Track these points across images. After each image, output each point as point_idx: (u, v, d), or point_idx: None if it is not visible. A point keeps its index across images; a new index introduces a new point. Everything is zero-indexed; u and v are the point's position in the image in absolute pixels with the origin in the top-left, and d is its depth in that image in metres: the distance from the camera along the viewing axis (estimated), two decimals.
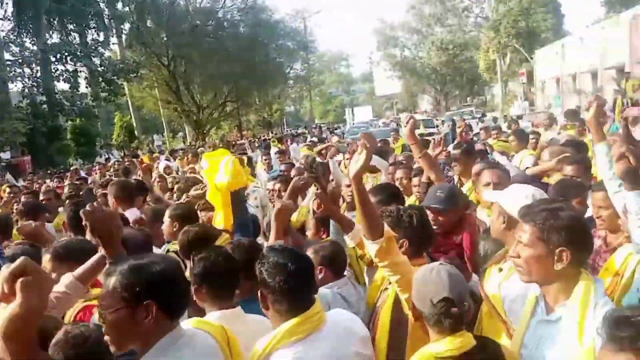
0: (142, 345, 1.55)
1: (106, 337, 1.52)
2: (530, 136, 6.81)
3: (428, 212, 2.93)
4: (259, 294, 1.81)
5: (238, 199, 2.82)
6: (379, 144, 5.99)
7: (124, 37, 29.47)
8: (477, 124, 17.63)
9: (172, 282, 1.57)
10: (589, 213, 2.76)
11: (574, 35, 29.46)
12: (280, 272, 1.75)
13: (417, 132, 15.62)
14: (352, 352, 1.86)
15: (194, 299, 2.04)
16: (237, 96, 35.37)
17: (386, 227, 2.01)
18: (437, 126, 24.89)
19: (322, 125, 38.86)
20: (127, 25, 28.69)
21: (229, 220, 2.76)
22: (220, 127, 43.40)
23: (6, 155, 24.17)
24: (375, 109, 59.92)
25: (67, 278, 2.00)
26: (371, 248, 2.01)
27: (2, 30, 24.65)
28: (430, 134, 13.37)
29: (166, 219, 3.31)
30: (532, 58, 33.83)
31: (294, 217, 3.62)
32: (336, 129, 33.95)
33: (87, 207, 1.97)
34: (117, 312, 1.49)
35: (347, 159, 5.66)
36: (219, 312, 2.00)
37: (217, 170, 2.74)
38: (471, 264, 2.68)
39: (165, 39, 30.00)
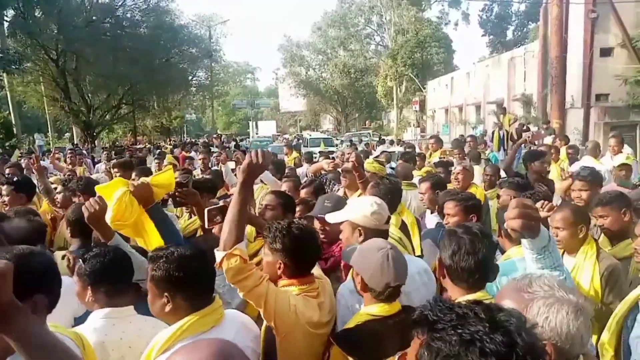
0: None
1: None
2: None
3: (316, 221, 3.01)
4: (153, 292, 1.88)
5: (159, 222, 2.59)
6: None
7: (5, 23, 26.74)
8: (376, 146, 18.73)
9: None
10: None
11: (462, 70, 32.13)
12: (184, 268, 1.84)
13: (318, 149, 16.06)
14: (249, 347, 1.99)
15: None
16: (133, 99, 33.62)
17: (240, 247, 2.03)
18: (337, 145, 25.73)
19: (222, 135, 38.24)
20: (10, 12, 26.09)
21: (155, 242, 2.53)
22: (113, 131, 40.93)
23: None
24: (280, 124, 60.30)
25: None
26: (218, 256, 2.03)
27: None
28: (331, 152, 13.83)
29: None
30: (424, 88, 36.24)
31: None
32: (241, 141, 33.66)
33: None
34: None
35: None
36: (108, 309, 2.04)
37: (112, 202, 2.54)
38: (346, 271, 2.74)
39: (55, 31, 27.72)
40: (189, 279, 1.85)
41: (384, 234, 2.51)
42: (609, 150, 7.34)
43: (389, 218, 2.59)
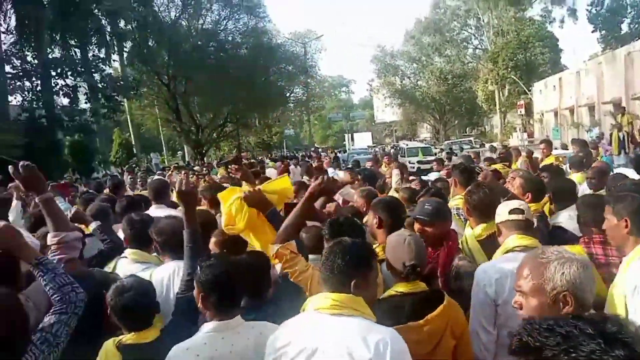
0: None
1: None
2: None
3: (416, 223, 2.91)
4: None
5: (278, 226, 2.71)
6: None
7: (125, 54, 29.65)
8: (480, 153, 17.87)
9: None
10: None
11: (572, 70, 29.77)
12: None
13: (416, 159, 15.78)
14: None
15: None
16: (236, 117, 35.48)
17: (291, 243, 2.44)
18: (436, 154, 24.95)
19: (319, 148, 38.93)
20: (128, 43, 28.89)
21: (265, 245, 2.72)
22: (219, 148, 43.42)
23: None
24: (375, 136, 60.20)
25: None
26: (274, 248, 2.42)
27: (4, 43, 24.72)
28: (429, 162, 13.45)
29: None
30: (529, 90, 34.09)
31: None
32: (338, 153, 34.06)
33: None
34: None
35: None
36: (215, 323, 2.07)
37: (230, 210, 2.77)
38: (442, 278, 2.61)
39: (166, 58, 30.20)
40: None
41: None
42: None
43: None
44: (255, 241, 2.77)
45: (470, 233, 3.03)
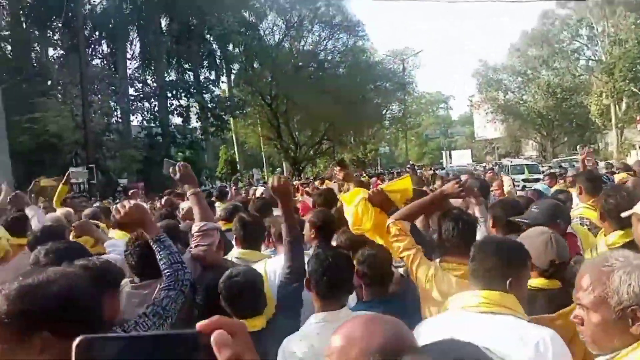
0: None
1: None
2: None
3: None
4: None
5: None
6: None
7: (232, 76, 31.61)
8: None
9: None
10: None
11: None
12: None
13: (522, 177, 14.90)
14: None
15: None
16: (333, 135, 36.12)
17: (405, 223, 2.63)
18: (543, 172, 23.37)
19: (415, 165, 38.30)
20: (236, 66, 30.80)
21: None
22: (315, 165, 44.38)
23: (123, 180, 26.53)
24: (475, 153, 57.91)
25: None
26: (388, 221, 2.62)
27: (129, 68, 27.56)
28: (536, 180, 12.68)
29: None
30: None
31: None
32: (437, 170, 33.22)
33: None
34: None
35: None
36: (323, 314, 2.13)
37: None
38: None
39: (269, 78, 31.70)
40: None
41: None
42: None
43: None
44: (379, 240, 2.82)
45: (603, 241, 2.80)
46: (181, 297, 2.16)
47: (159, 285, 2.16)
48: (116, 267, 2.19)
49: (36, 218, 4.01)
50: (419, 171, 24.57)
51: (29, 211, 4.12)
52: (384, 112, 40.74)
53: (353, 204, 2.86)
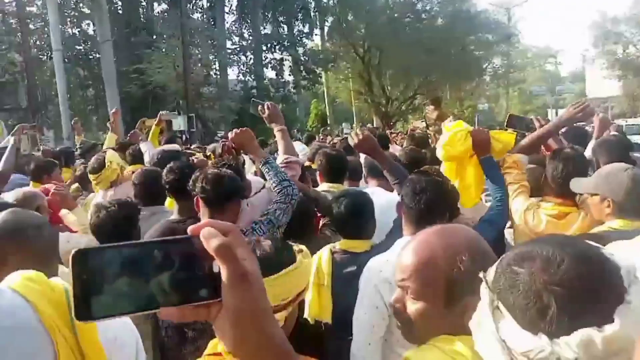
0: None
1: None
2: None
3: None
4: None
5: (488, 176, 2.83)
6: None
7: (325, 29, 31.28)
8: None
9: None
10: None
11: None
12: None
13: (638, 137, 13.39)
14: None
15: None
16: (427, 90, 34.76)
17: (523, 158, 2.86)
18: None
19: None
20: (329, 18, 30.38)
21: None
22: (407, 121, 43.37)
23: (221, 132, 27.84)
24: None
25: None
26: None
27: (227, 22, 28.26)
28: None
29: None
30: None
31: None
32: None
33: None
34: None
35: None
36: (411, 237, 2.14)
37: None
38: None
39: (363, 31, 30.93)
40: None
41: None
42: None
43: None
44: (450, 172, 2.74)
45: None
46: (290, 209, 2.50)
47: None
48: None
49: (148, 152, 4.75)
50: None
51: (142, 146, 4.97)
52: (485, 66, 38.27)
53: (455, 129, 2.82)
